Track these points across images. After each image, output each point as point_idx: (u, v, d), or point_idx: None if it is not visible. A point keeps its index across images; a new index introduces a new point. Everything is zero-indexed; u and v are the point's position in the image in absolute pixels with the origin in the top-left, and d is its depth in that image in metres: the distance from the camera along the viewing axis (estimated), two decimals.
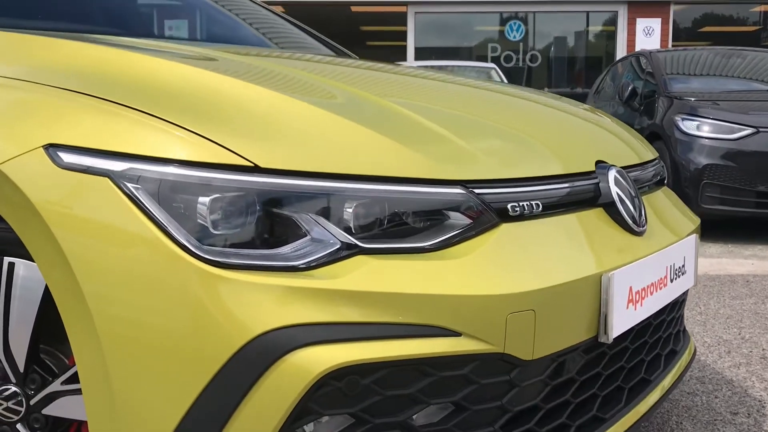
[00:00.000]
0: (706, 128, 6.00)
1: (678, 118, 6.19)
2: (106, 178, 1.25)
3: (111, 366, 1.22)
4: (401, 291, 1.20)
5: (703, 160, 5.86)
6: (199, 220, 1.22)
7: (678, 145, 6.07)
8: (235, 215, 1.24)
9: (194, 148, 1.24)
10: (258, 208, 1.24)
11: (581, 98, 12.36)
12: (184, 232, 1.21)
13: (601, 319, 1.44)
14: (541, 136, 1.65)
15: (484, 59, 13.88)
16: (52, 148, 1.31)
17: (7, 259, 1.45)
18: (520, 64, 14.06)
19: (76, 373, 1.45)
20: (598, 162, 1.69)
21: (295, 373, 1.15)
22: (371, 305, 1.19)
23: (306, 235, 1.24)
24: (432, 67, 8.46)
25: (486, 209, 1.35)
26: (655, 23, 12.66)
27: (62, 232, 1.26)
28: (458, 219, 1.34)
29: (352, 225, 1.25)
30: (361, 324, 1.18)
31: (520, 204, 1.40)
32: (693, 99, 6.41)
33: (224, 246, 1.22)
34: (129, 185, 1.24)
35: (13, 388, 1.50)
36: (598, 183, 1.63)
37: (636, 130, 6.81)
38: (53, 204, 1.28)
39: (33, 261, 1.42)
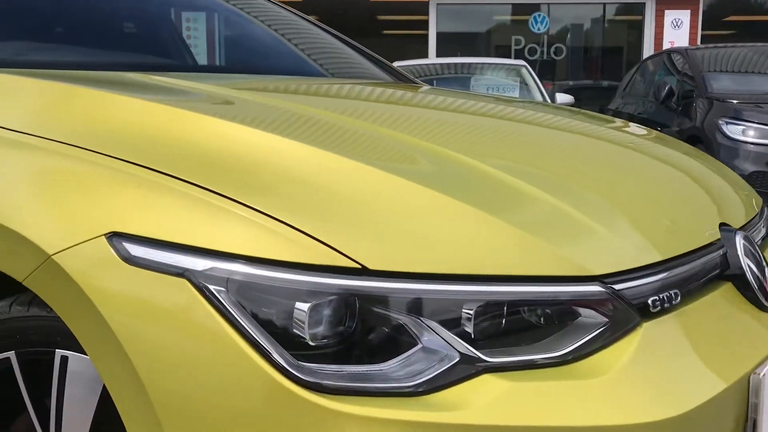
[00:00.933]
0: (751, 133, 5.77)
1: (721, 122, 5.95)
2: (184, 279, 1.06)
3: None
4: (541, 424, 1.00)
5: (749, 167, 5.63)
6: (295, 331, 1.03)
7: (721, 149, 5.84)
8: (335, 325, 1.04)
9: (292, 245, 1.04)
10: (363, 316, 1.04)
11: (607, 92, 12.11)
12: (279, 348, 1.02)
13: (749, 426, 1.24)
14: (664, 203, 1.44)
15: (506, 51, 13.58)
16: (116, 238, 1.11)
17: (59, 352, 1.26)
18: (545, 56, 13.75)
19: None
20: (721, 225, 1.48)
21: None
22: None
23: (418, 347, 1.04)
24: (462, 65, 8.21)
25: (626, 307, 1.14)
26: (684, 15, 12.32)
27: (130, 344, 1.07)
28: (591, 318, 1.14)
29: (472, 333, 1.06)
30: None
31: (660, 296, 1.20)
32: (736, 101, 6.17)
33: (324, 362, 1.03)
34: (212, 288, 1.04)
35: None
36: (725, 252, 1.42)
37: (675, 132, 6.59)
38: (118, 308, 1.09)
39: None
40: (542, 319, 1.12)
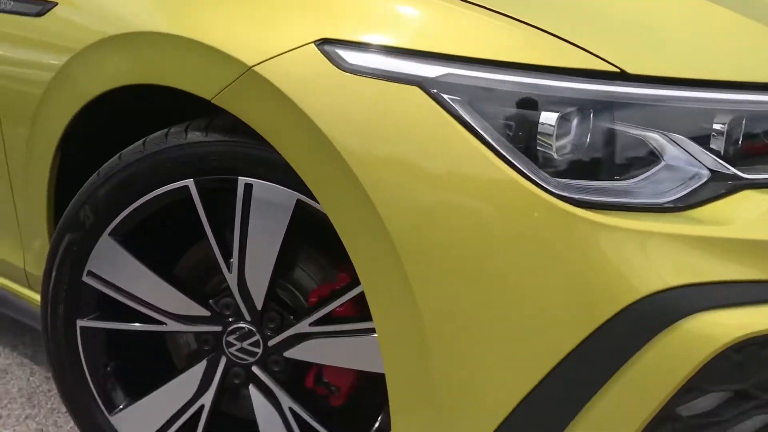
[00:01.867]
0: None
1: None
2: (414, 87, 0.96)
3: (430, 330, 0.97)
4: None
5: None
6: (540, 142, 0.94)
7: None
8: (585, 137, 0.95)
9: (540, 48, 0.94)
10: (616, 127, 0.95)
11: None
12: (526, 160, 0.93)
13: None
14: None
15: None
16: (328, 45, 1.01)
17: (242, 180, 1.18)
18: None
19: (325, 316, 1.23)
20: None
21: (692, 342, 0.90)
22: None
23: (661, 164, 0.96)
24: None
25: None
26: None
27: (353, 155, 0.98)
28: None
29: (731, 151, 0.97)
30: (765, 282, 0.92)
31: None
32: None
33: (570, 177, 0.95)
34: (446, 96, 0.95)
35: (248, 327, 1.28)
36: None
37: None
38: (334, 121, 1.00)
39: (274, 183, 1.16)
40: None
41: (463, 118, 0.94)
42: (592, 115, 0.94)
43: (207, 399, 1.32)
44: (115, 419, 1.37)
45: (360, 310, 1.20)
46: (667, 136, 0.96)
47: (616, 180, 0.96)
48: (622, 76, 0.93)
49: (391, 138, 0.97)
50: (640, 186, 0.95)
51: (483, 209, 0.94)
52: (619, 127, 0.95)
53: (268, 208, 1.19)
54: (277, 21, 1.06)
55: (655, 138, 0.95)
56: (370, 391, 1.32)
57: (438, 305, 0.97)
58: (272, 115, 1.05)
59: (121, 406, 1.37)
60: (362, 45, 1.00)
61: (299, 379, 1.33)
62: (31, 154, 1.43)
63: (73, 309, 1.33)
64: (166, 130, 1.24)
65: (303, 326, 1.25)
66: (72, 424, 1.66)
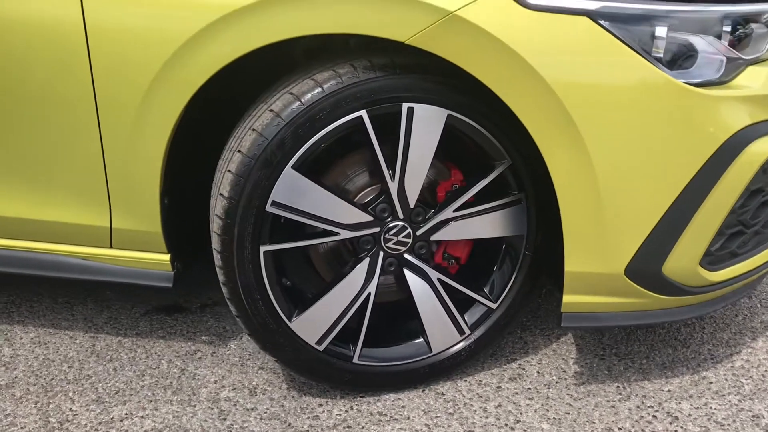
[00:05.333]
0: None
1: None
2: (584, 17, 1.40)
3: (600, 173, 1.46)
4: None
5: None
6: (658, 51, 1.45)
7: None
8: (679, 43, 1.48)
9: None
10: (676, 35, 1.48)
11: None
12: (654, 60, 1.44)
13: None
14: None
15: None
16: None
17: (405, 105, 1.52)
18: None
19: (465, 202, 1.63)
20: None
21: (750, 158, 1.51)
22: None
23: (709, 53, 1.53)
24: None
25: None
26: None
27: (546, 69, 1.41)
28: None
29: (735, 42, 1.57)
30: None
31: None
32: None
33: (684, 68, 1.48)
34: (603, 22, 1.41)
35: (401, 224, 1.63)
36: None
37: None
38: (530, 47, 1.40)
39: (429, 104, 1.52)
40: None
41: (616, 35, 1.41)
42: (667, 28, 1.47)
43: (372, 287, 1.65)
44: (294, 324, 1.62)
45: (478, 196, 1.64)
46: (700, 37, 1.53)
47: (686, 69, 1.51)
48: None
49: (570, 53, 1.41)
50: (698, 70, 1.52)
51: (640, 93, 1.44)
52: (678, 35, 1.49)
53: (426, 123, 1.55)
54: None
55: (695, 39, 1.52)
56: (480, 255, 1.77)
57: (608, 166, 1.46)
58: (475, 50, 1.42)
59: (296, 312, 1.63)
60: None
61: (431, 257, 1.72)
62: (149, 109, 1.53)
63: (258, 237, 1.54)
64: (331, 71, 1.50)
65: (448, 213, 1.64)
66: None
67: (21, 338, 1.97)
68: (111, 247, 1.74)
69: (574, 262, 1.55)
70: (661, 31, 1.46)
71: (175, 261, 1.74)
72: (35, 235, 1.75)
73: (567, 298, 1.59)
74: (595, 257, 1.54)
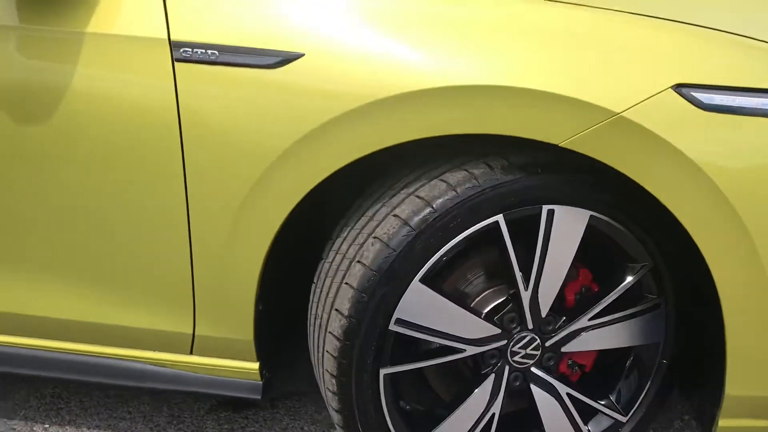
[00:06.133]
0: None
1: None
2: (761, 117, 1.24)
3: None
4: None
5: None
6: None
7: None
8: None
9: None
10: None
11: None
12: None
13: None
14: None
15: None
16: (684, 89, 1.22)
17: (546, 207, 1.34)
18: None
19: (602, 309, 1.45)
20: None
21: None
22: None
23: None
24: None
25: None
26: None
27: (721, 177, 1.24)
28: None
29: None
30: None
31: None
32: None
33: None
34: None
35: (530, 335, 1.44)
36: None
37: None
38: (702, 150, 1.23)
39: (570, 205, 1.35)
40: None
41: None
42: None
43: (497, 407, 1.47)
44: None
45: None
46: None
47: None
48: None
49: (751, 160, 1.24)
50: None
51: None
52: None
53: (567, 226, 1.37)
54: (629, 70, 1.24)
55: None
56: (605, 362, 1.58)
57: None
58: (638, 153, 1.24)
59: None
60: (711, 87, 1.23)
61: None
62: (249, 217, 1.35)
63: (379, 359, 1.35)
64: (464, 171, 1.31)
65: (583, 321, 1.46)
66: None
67: None
68: (191, 353, 1.55)
69: (737, 386, 1.37)
70: None
71: (264, 369, 1.54)
72: (104, 339, 1.55)
73: (723, 422, 1.41)
74: (764, 381, 1.37)
